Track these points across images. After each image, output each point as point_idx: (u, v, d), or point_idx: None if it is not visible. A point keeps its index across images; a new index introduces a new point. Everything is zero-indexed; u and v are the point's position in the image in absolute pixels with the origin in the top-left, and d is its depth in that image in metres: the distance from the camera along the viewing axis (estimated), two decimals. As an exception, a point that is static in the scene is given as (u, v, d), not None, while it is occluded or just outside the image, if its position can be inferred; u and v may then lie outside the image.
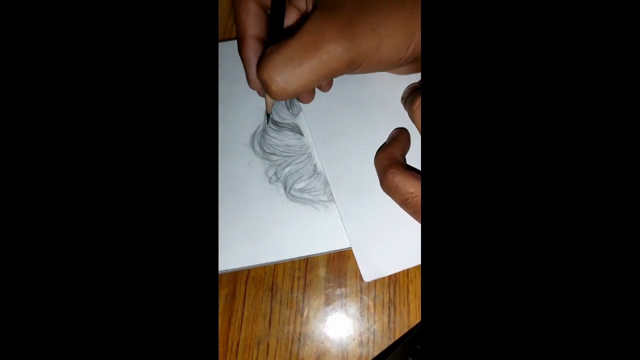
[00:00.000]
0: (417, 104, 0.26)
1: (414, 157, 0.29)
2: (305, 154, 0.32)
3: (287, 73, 0.23)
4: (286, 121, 0.33)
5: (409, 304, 0.29)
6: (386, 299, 0.29)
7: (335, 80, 0.32)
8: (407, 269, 0.29)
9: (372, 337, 0.29)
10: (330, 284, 0.30)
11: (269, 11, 0.28)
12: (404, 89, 0.31)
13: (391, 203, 0.27)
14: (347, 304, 0.29)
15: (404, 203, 0.26)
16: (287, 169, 0.31)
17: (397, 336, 0.28)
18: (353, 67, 0.24)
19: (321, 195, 0.31)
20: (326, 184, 0.31)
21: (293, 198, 0.31)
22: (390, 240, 0.29)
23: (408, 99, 0.28)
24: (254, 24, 0.28)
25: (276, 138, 0.32)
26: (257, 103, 0.33)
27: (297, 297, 0.29)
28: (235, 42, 0.35)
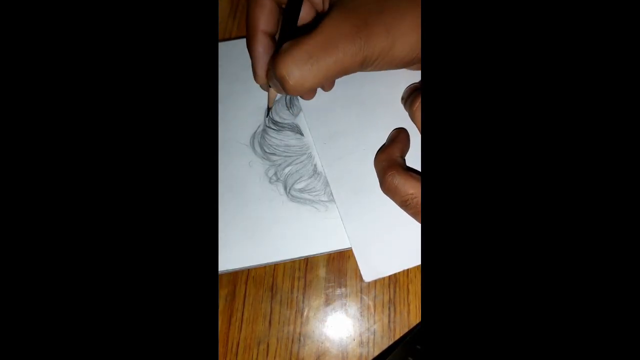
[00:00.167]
0: (418, 104, 0.26)
1: (414, 157, 0.29)
2: (305, 154, 0.32)
3: (304, 69, 0.23)
4: (286, 121, 0.33)
5: (409, 304, 0.29)
6: (386, 299, 0.29)
7: (335, 80, 0.32)
8: (407, 269, 0.29)
9: (372, 337, 0.29)
10: (330, 284, 0.30)
11: (283, 6, 0.28)
12: (404, 89, 0.31)
13: (391, 203, 0.27)
14: (347, 304, 0.29)
15: (404, 204, 0.26)
16: (287, 169, 0.31)
17: (397, 336, 0.28)
18: (365, 65, 0.25)
19: (321, 195, 0.31)
20: (326, 184, 0.31)
21: (293, 198, 0.31)
22: (390, 240, 0.29)
23: (408, 99, 0.28)
24: (267, 19, 0.28)
25: (276, 138, 0.32)
26: (257, 103, 0.33)
27: (297, 297, 0.29)
28: (235, 42, 0.35)
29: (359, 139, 0.31)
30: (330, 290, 0.30)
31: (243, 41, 0.35)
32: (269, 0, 0.28)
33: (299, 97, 0.33)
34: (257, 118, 0.33)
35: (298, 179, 0.31)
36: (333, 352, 0.28)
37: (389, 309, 0.29)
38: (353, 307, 0.29)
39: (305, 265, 0.30)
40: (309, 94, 0.31)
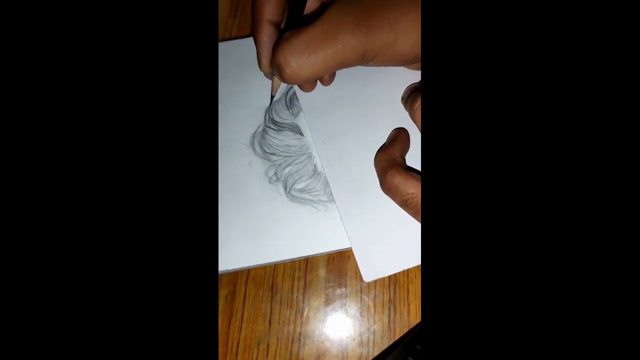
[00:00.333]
0: (418, 104, 0.26)
1: (414, 157, 0.29)
2: (305, 154, 0.32)
3: (302, 58, 0.24)
4: (286, 121, 0.33)
5: (409, 304, 0.29)
6: (386, 299, 0.29)
7: (335, 80, 0.32)
8: (407, 269, 0.29)
9: (372, 337, 0.29)
10: (330, 284, 0.30)
11: None
12: (404, 89, 0.31)
13: (391, 203, 0.27)
14: (347, 304, 0.29)
15: (404, 204, 0.26)
16: (287, 169, 0.31)
17: (397, 336, 0.28)
18: (366, 59, 0.25)
19: (321, 195, 0.31)
20: (326, 184, 0.31)
21: (293, 198, 0.31)
22: (390, 240, 0.29)
23: (408, 99, 0.28)
24: (272, 9, 0.28)
25: (276, 138, 0.32)
26: (257, 103, 0.33)
27: (297, 297, 0.29)
28: (235, 42, 0.35)
29: (359, 139, 0.31)
30: (330, 290, 0.30)
31: (243, 41, 0.35)
32: None
33: (299, 98, 0.33)
34: (257, 118, 0.33)
35: (298, 179, 0.31)
36: (333, 352, 0.28)
37: (389, 309, 0.29)
38: (353, 307, 0.29)
39: (305, 265, 0.30)
40: (308, 84, 0.32)
